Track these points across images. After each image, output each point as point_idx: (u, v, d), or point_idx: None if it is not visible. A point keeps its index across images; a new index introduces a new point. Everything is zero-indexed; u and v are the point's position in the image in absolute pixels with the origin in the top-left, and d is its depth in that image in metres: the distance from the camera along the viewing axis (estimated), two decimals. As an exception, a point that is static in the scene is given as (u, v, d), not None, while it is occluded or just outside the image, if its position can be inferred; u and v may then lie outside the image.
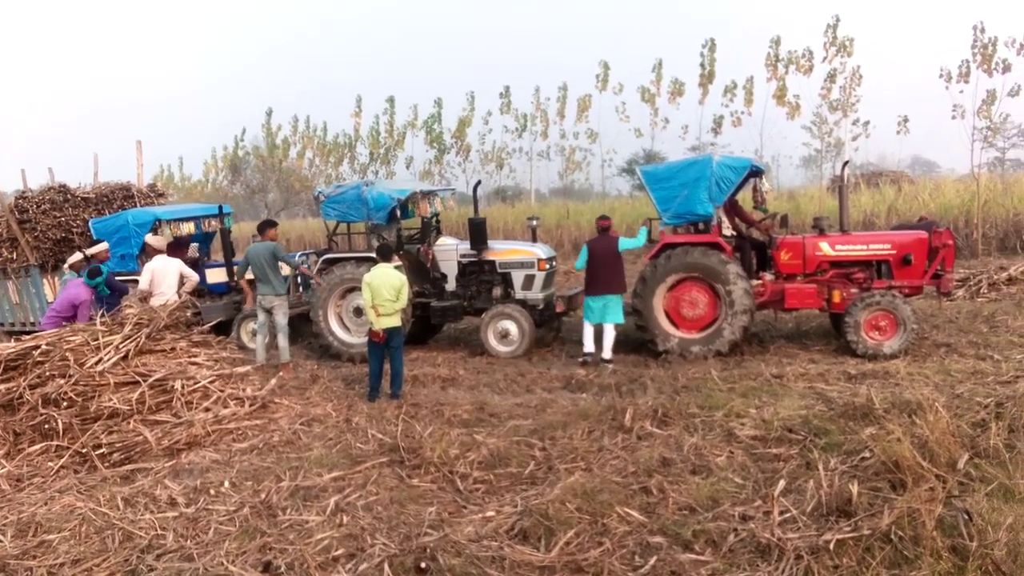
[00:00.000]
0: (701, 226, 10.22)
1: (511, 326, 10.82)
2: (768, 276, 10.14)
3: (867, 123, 25.29)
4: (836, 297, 9.74)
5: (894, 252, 9.79)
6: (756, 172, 10.62)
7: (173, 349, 8.06)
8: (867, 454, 5.59)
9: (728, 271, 9.67)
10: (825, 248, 9.94)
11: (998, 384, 7.61)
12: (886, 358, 9.12)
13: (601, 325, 9.99)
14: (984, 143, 21.08)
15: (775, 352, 10.08)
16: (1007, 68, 18.79)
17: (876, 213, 20.59)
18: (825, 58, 23.90)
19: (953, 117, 19.96)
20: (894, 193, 22.50)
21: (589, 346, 10.09)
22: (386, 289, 8.46)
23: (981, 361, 8.73)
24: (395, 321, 8.66)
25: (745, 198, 11.14)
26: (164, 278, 9.84)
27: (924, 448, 5.37)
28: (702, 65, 27.40)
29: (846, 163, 12.22)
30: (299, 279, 12.36)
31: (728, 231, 10.41)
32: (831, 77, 24.04)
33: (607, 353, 9.88)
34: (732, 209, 10.87)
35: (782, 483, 5.27)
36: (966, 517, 4.25)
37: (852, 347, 9.40)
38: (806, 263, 9.97)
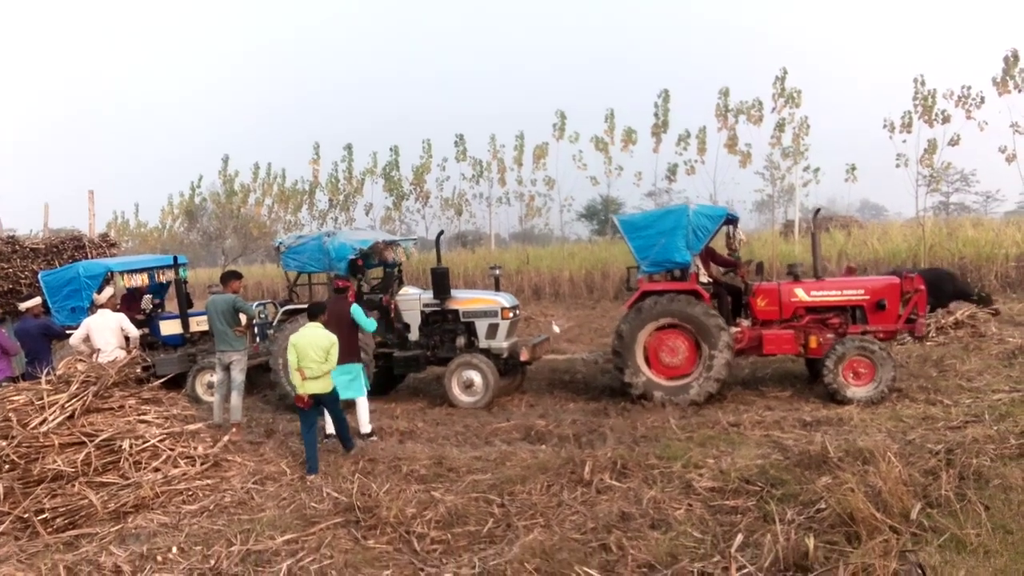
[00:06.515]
0: (678, 273, 10.32)
1: (476, 376, 10.75)
2: (745, 322, 10.27)
3: (817, 169, 26.03)
4: (813, 343, 9.88)
5: (868, 297, 10.00)
6: (731, 220, 10.83)
7: (122, 407, 7.82)
8: (822, 505, 5.64)
9: (721, 338, 9.66)
10: (801, 294, 10.12)
11: (948, 430, 7.76)
12: (844, 403, 9.21)
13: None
14: (928, 189, 21.80)
15: (732, 399, 10.14)
16: (946, 119, 19.59)
17: (827, 257, 21.05)
18: (774, 108, 24.66)
19: (897, 165, 20.75)
20: (844, 237, 23.12)
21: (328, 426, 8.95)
22: (314, 350, 7.93)
23: (931, 406, 8.87)
24: (323, 385, 8.09)
25: (717, 245, 11.25)
26: (101, 333, 9.65)
27: (878, 498, 5.43)
28: (656, 115, 28.07)
29: (818, 210, 12.25)
30: (256, 329, 12.15)
31: (705, 278, 10.54)
32: (780, 127, 24.77)
33: (365, 427, 9.04)
34: (708, 256, 11.02)
35: (740, 537, 5.27)
36: (919, 572, 4.29)
37: (826, 384, 9.40)
38: (782, 309, 10.14)
